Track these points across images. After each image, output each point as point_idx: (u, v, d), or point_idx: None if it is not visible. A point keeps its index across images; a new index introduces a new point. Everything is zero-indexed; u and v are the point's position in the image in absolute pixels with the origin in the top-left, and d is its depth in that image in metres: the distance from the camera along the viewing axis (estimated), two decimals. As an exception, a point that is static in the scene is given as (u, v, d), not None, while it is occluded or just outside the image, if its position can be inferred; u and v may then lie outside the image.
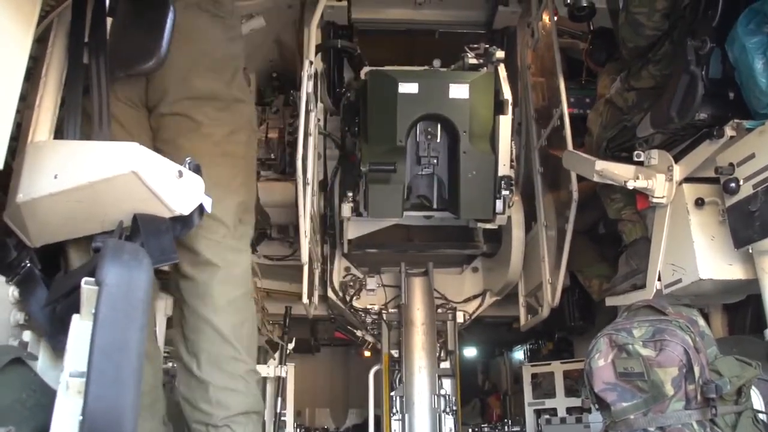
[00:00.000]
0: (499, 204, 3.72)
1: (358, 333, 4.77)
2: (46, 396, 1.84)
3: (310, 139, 3.64)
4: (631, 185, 2.97)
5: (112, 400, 1.54)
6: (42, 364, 2.12)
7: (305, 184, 3.50)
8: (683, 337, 2.26)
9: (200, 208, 2.03)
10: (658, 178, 2.92)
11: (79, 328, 1.72)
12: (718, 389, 2.19)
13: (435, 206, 3.83)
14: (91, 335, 1.59)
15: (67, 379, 1.61)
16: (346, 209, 4.05)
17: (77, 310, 1.75)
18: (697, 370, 2.22)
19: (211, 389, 2.24)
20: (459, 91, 3.64)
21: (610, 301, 3.54)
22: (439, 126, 3.72)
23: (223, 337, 2.29)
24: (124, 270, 1.64)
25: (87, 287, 1.69)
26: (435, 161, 3.73)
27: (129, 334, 1.61)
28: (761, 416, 2.33)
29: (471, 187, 3.65)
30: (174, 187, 1.94)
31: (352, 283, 4.68)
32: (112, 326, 1.60)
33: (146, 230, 1.89)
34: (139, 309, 1.64)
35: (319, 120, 4.25)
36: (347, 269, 4.71)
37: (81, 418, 1.53)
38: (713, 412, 2.20)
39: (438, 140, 3.72)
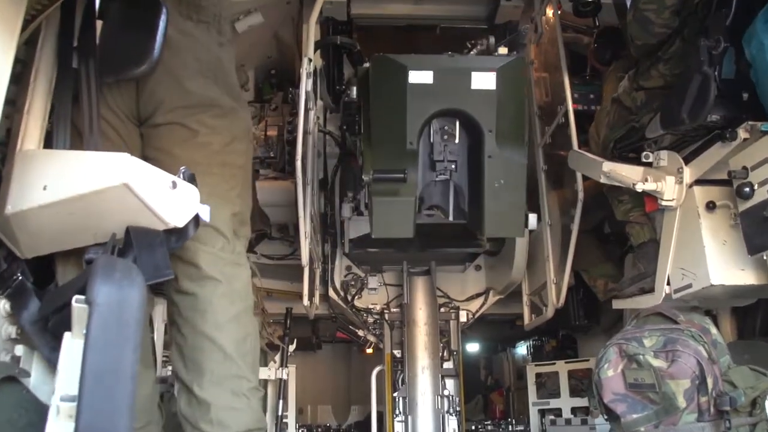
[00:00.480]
0: (532, 219, 3.22)
1: (360, 333, 4.72)
2: (39, 415, 1.79)
3: (310, 138, 3.55)
4: (639, 188, 2.88)
5: (104, 427, 1.48)
6: (35, 379, 2.07)
7: (305, 184, 3.41)
8: (696, 347, 2.20)
9: (195, 219, 1.97)
10: (667, 181, 2.84)
11: (71, 347, 1.67)
12: (733, 401, 2.15)
13: (451, 218, 3.19)
14: (82, 358, 1.53)
15: (58, 403, 1.56)
16: (347, 209, 3.97)
17: (69, 327, 1.70)
18: (710, 381, 2.17)
19: (213, 409, 2.18)
20: (484, 80, 2.96)
21: (616, 305, 3.47)
22: (457, 124, 3.07)
23: (225, 353, 2.22)
24: (116, 289, 1.58)
25: (78, 306, 1.63)
26: (453, 167, 3.07)
27: (121, 356, 1.55)
28: (776, 427, 2.28)
29: (498, 199, 2.99)
30: (168, 199, 1.87)
31: (353, 282, 4.61)
32: (103, 348, 1.54)
33: (139, 245, 1.82)
34: (131, 329, 1.58)
35: (318, 118, 4.17)
36: (348, 268, 4.64)
37: (72, 444, 1.47)
38: (727, 425, 2.17)
39: (456, 141, 3.07)
